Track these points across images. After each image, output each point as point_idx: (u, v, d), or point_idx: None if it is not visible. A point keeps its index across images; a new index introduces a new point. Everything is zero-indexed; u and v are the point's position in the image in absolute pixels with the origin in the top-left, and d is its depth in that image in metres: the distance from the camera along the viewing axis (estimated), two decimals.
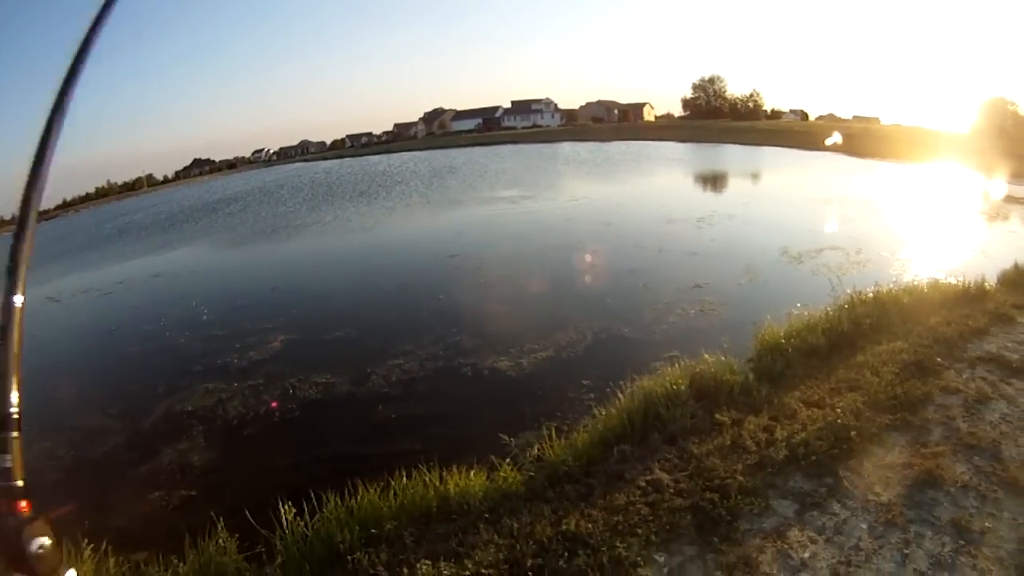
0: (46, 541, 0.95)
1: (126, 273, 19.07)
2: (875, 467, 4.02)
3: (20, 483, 1.00)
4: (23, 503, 0.99)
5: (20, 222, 1.17)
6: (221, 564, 3.92)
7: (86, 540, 4.02)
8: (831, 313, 6.84)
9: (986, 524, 3.38)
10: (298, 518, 4.13)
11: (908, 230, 14.19)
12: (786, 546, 3.40)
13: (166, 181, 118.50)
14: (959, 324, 6.07)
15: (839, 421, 4.51)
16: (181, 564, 3.97)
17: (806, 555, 3.32)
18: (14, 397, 1.05)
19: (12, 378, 1.06)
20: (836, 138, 34.76)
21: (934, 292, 7.11)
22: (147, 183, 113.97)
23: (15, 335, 1.09)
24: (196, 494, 5.88)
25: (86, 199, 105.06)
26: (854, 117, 74.70)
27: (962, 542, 3.26)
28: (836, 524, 3.54)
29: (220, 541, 4.05)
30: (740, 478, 4.00)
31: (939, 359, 5.39)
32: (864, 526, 3.49)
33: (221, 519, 4.21)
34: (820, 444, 4.26)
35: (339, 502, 4.29)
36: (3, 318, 1.09)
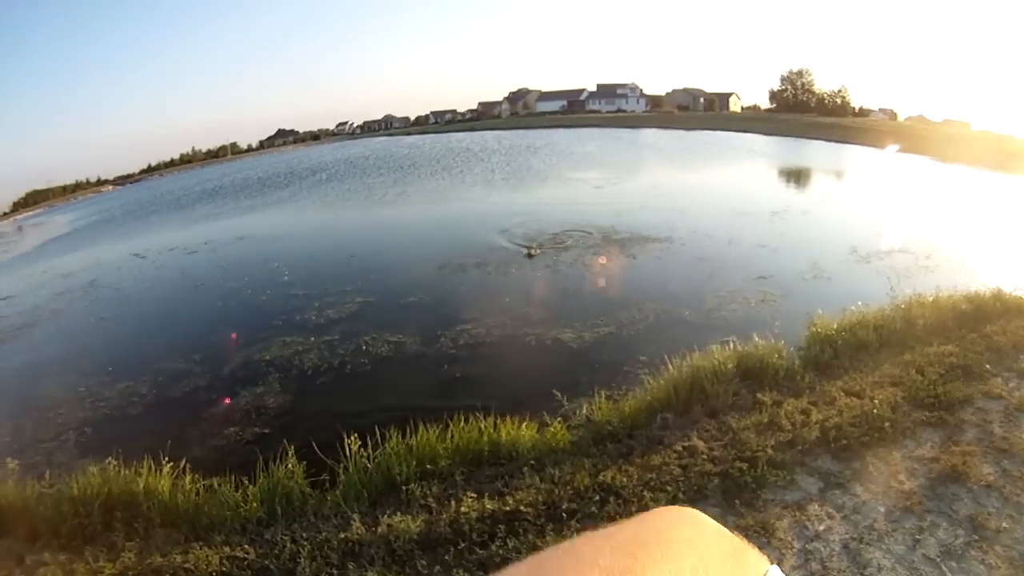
0: None
1: (211, 234, 19.74)
2: (903, 458, 3.96)
3: None
4: None
5: None
6: (287, 487, 4.21)
7: (166, 458, 4.44)
8: (887, 311, 6.60)
9: (1003, 524, 3.27)
10: (362, 450, 4.39)
11: (981, 240, 13.10)
12: (804, 518, 3.45)
13: (250, 150, 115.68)
14: (1015, 335, 5.71)
15: (875, 412, 4.43)
16: (251, 486, 4.28)
17: (821, 528, 3.37)
18: None
19: None
20: (896, 147, 32.85)
21: (996, 302, 6.68)
22: (232, 151, 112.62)
23: None
24: (268, 432, 6.28)
25: (170, 164, 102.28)
26: (944, 120, 68.67)
27: (975, 537, 3.20)
28: (855, 504, 3.55)
29: (288, 466, 4.34)
30: (771, 452, 4.06)
31: (987, 366, 5.13)
32: (882, 509, 3.48)
33: (291, 449, 4.49)
34: (853, 430, 4.23)
35: (400, 440, 4.54)
36: None
